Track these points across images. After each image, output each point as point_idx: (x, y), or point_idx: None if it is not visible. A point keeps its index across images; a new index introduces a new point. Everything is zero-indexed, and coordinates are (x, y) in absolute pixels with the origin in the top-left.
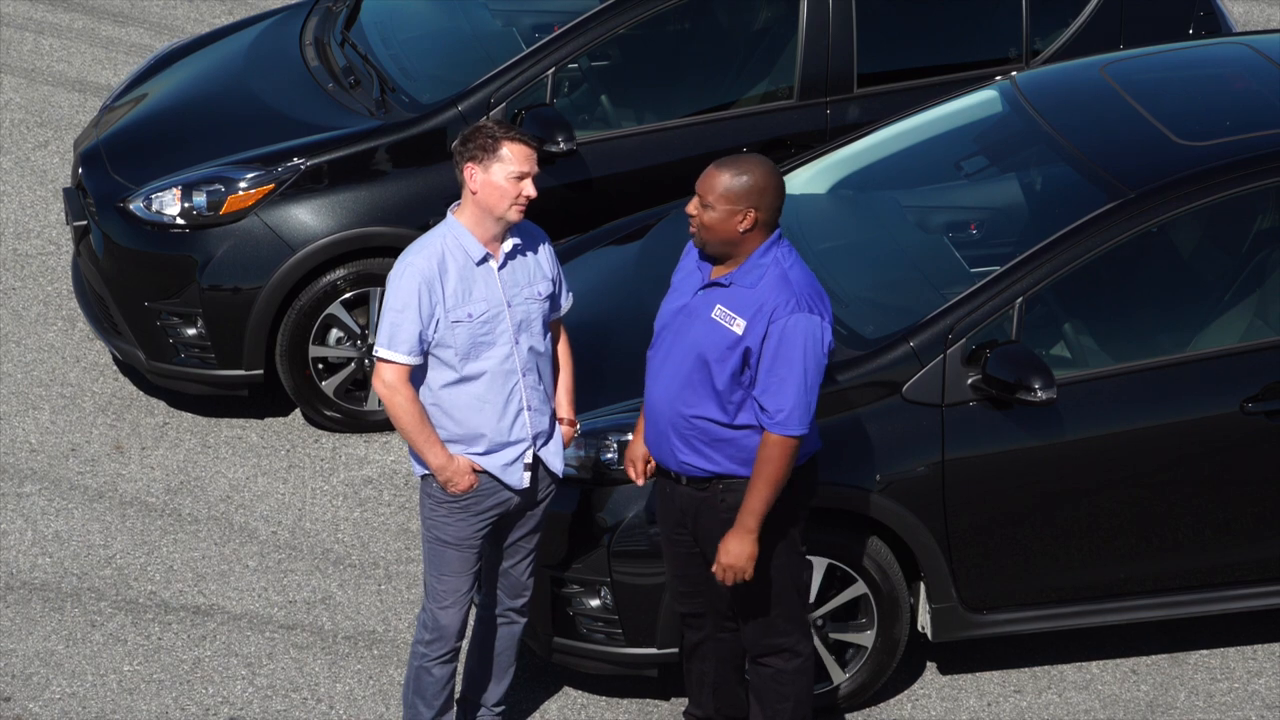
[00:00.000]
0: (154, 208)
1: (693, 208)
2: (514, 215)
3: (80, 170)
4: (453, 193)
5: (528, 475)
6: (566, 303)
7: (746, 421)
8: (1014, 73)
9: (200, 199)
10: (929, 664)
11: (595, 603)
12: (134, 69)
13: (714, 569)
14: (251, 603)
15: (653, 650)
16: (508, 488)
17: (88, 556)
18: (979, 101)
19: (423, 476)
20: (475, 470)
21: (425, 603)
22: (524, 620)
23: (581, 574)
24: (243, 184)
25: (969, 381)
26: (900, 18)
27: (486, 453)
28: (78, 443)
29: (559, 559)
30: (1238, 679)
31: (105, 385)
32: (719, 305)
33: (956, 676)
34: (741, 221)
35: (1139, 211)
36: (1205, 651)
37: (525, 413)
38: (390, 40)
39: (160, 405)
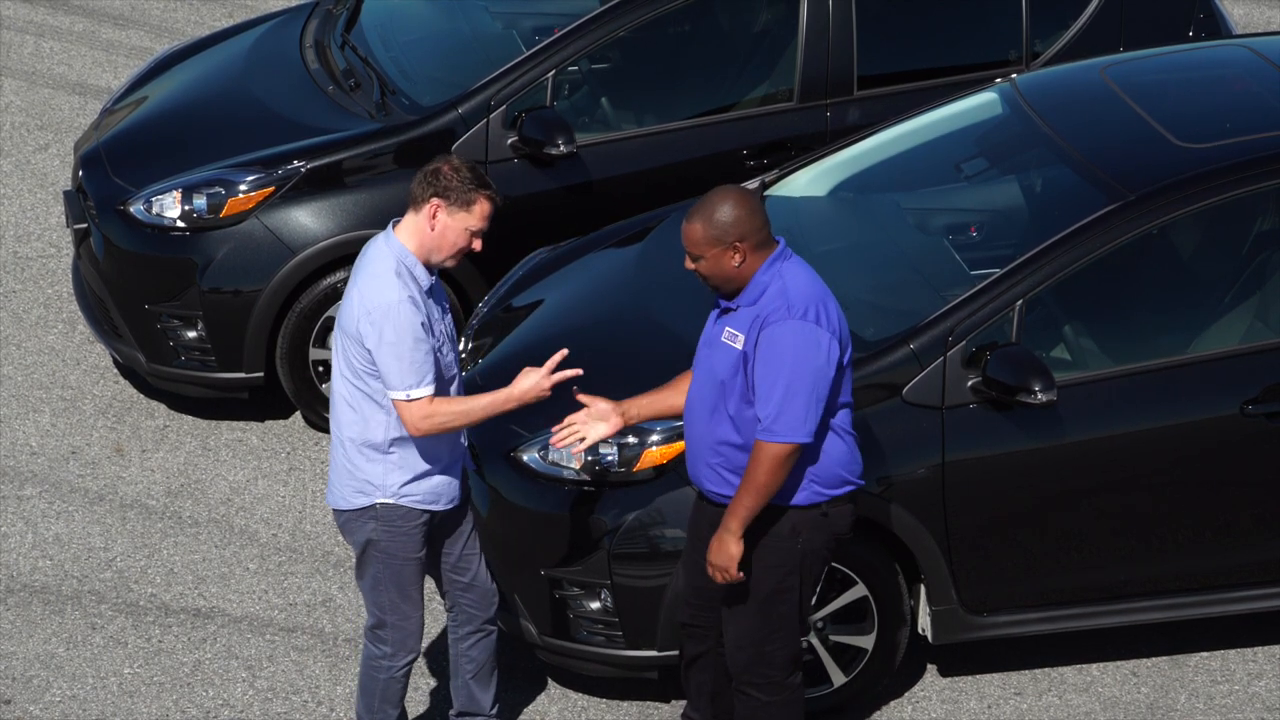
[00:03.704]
0: (154, 210)
1: (687, 264)
2: (450, 263)
3: (81, 173)
4: None
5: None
6: None
7: None
8: (1014, 75)
9: (200, 201)
10: (929, 666)
11: (595, 605)
12: (134, 72)
13: (708, 570)
14: (252, 605)
15: (653, 653)
16: (454, 504)
17: (88, 559)
18: (979, 104)
19: (362, 508)
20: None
21: (382, 618)
22: (496, 629)
23: (581, 576)
24: (243, 186)
25: (969, 384)
26: (900, 20)
27: (443, 471)
28: (78, 445)
29: (559, 561)
30: (1238, 681)
31: (106, 388)
32: (727, 328)
33: (957, 679)
34: (734, 258)
35: (1139, 214)
36: (1206, 654)
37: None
38: (390, 43)
39: (160, 408)
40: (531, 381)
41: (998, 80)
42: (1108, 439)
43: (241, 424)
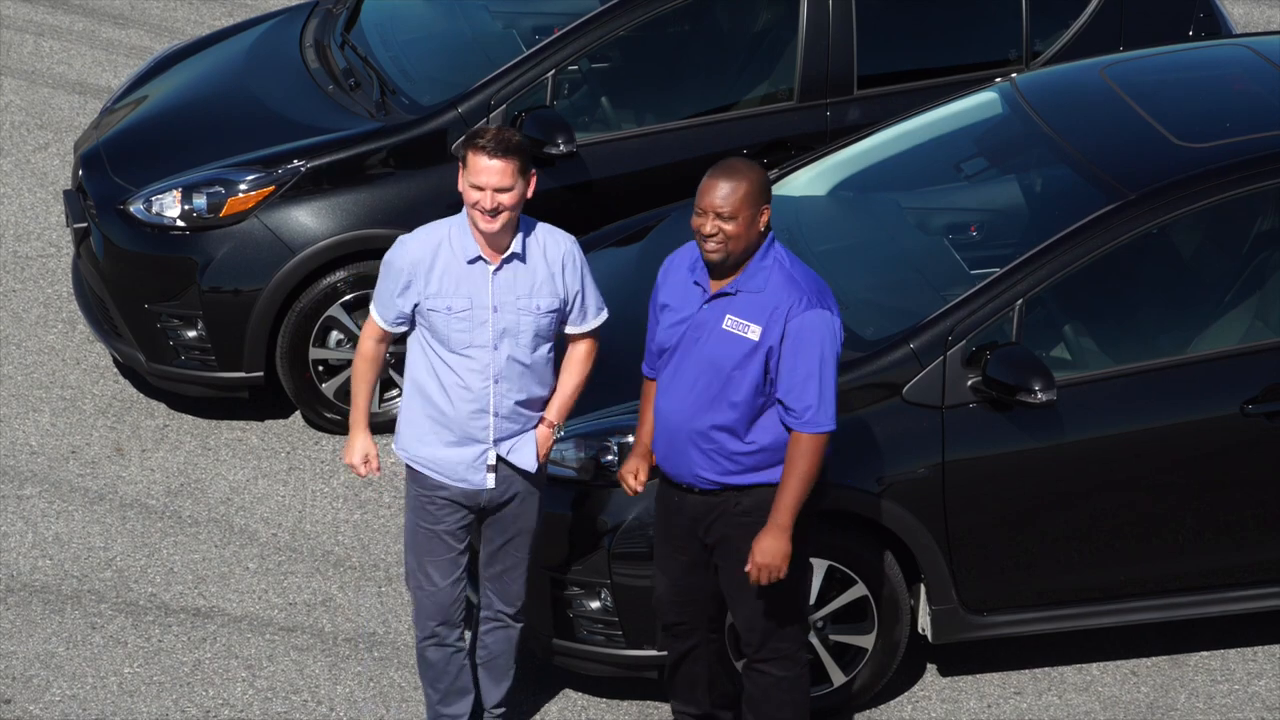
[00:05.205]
0: (154, 210)
1: (710, 227)
2: (482, 224)
3: (80, 172)
4: (451, 195)
5: (491, 476)
6: (593, 320)
7: (758, 437)
8: (1014, 74)
9: (200, 201)
10: (929, 666)
11: (595, 605)
12: (134, 71)
13: (748, 569)
14: (252, 605)
15: (653, 652)
16: (470, 486)
17: (88, 559)
18: (979, 103)
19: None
20: (371, 460)
21: (407, 579)
22: (519, 625)
23: (581, 576)
24: (243, 186)
25: (969, 383)
26: (900, 19)
27: (447, 445)
28: (78, 445)
29: (559, 561)
30: (1238, 680)
31: (105, 387)
32: (729, 315)
33: (957, 678)
34: (762, 220)
35: (1138, 213)
36: (1205, 653)
37: (490, 417)
38: (390, 42)
39: (160, 407)
40: (352, 460)
41: (997, 80)
42: (1108, 439)
43: (241, 424)
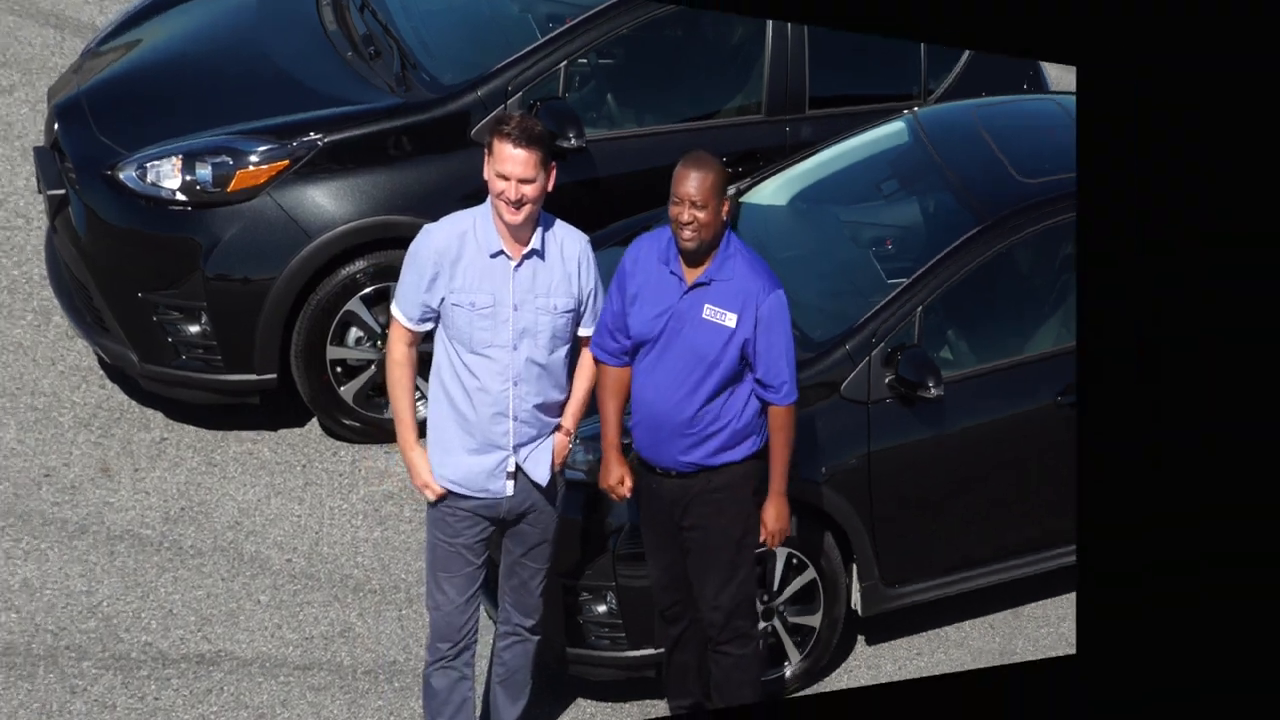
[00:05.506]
0: (149, 179)
1: (687, 215)
2: (506, 215)
3: (57, 126)
4: (471, 182)
5: (510, 483)
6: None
7: (730, 419)
8: (917, 107)
9: (204, 172)
10: (859, 638)
11: (602, 609)
12: (125, 8)
13: (763, 538)
14: (263, 644)
15: (652, 650)
16: (490, 496)
17: (66, 607)
18: (891, 131)
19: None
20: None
21: (426, 598)
22: (535, 639)
23: (590, 581)
24: (254, 158)
25: (886, 381)
26: (841, 47)
27: (468, 453)
28: (53, 466)
29: (569, 566)
30: (1051, 624)
31: (88, 394)
32: (707, 305)
33: (879, 646)
34: (725, 207)
35: (994, 235)
36: (1035, 604)
37: (510, 421)
38: (412, 11)
39: (157, 417)
40: (423, 479)
41: (904, 111)
42: (972, 429)
43: (252, 434)
